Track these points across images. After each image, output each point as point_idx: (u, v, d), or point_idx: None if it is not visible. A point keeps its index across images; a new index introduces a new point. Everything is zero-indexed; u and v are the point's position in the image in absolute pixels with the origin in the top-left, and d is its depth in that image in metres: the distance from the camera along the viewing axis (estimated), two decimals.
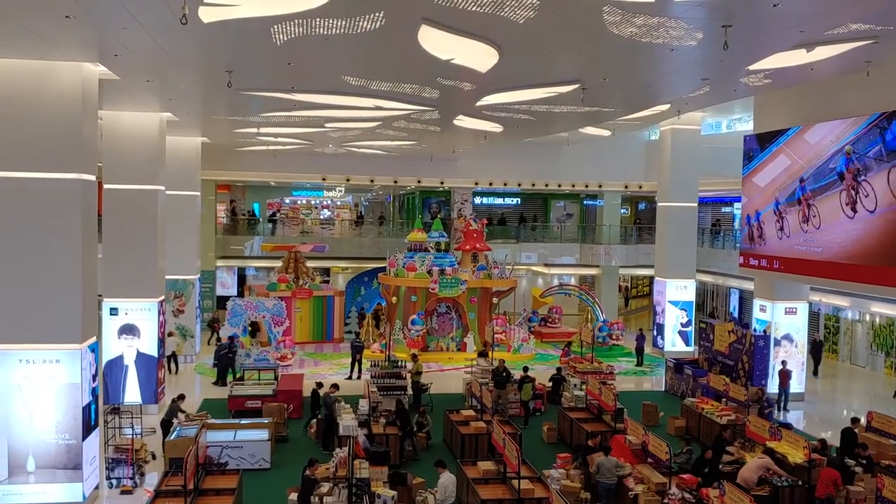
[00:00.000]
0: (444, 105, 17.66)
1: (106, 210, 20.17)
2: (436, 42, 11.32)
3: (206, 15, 9.88)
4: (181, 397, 17.83)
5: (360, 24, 10.33)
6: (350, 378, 23.87)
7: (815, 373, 26.07)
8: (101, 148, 20.29)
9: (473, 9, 9.49)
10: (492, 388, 19.29)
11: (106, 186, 20.11)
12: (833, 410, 22.43)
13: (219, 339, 27.05)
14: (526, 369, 21.90)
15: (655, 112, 22.58)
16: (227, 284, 38.31)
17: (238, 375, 22.67)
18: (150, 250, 20.36)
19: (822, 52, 14.66)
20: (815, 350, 26.51)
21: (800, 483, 14.08)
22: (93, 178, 14.36)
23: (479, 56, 12.24)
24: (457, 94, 16.04)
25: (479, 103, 17.18)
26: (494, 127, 21.94)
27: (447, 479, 12.99)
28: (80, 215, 13.77)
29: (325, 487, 13.21)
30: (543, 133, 25.61)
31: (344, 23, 10.33)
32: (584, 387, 19.93)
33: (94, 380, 14.58)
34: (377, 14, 9.88)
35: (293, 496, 13.43)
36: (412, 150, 30.87)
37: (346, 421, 17.04)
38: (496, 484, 14.05)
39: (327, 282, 33.69)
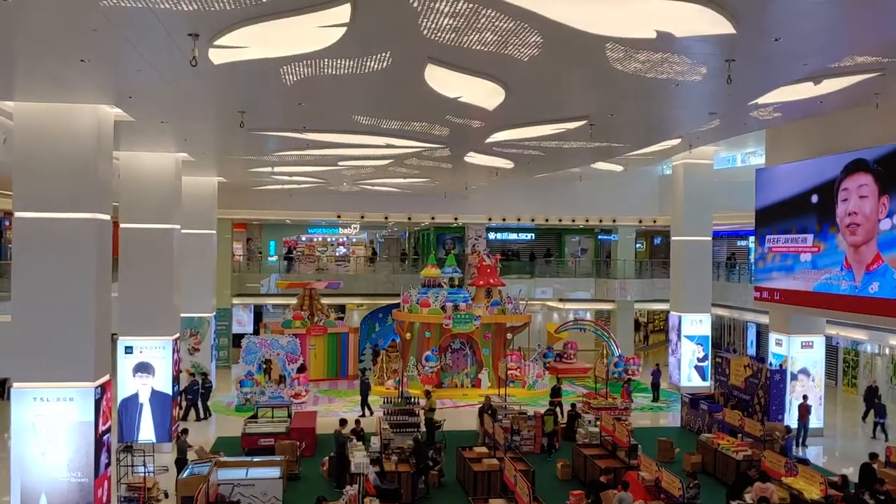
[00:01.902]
0: (454, 142, 17.83)
1: (122, 249, 20.43)
2: (443, 80, 11.49)
3: (217, 57, 10.09)
4: (185, 432, 17.93)
5: (368, 64, 10.52)
6: (364, 416, 23.76)
7: (865, 418, 24.03)
8: (118, 188, 20.65)
9: (478, 48, 9.64)
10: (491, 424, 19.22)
11: (122, 226, 20.40)
12: (853, 446, 22.05)
13: None
14: (552, 403, 21.80)
15: (667, 147, 22.68)
16: (243, 322, 38.48)
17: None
18: (165, 289, 20.54)
19: (830, 85, 14.74)
20: (869, 396, 24.11)
21: None
22: (107, 217, 14.58)
23: (485, 94, 12.40)
24: (466, 132, 16.20)
25: (488, 140, 17.34)
26: (506, 163, 22.08)
27: None
28: (94, 254, 13.94)
29: None
30: (555, 169, 25.73)
31: (351, 63, 10.52)
32: (598, 423, 19.77)
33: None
34: (384, 54, 10.07)
35: None
36: (425, 187, 31.09)
37: (358, 458, 17.09)
38: None
39: (342, 318, 33.74)
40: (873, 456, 16.07)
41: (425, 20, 8.63)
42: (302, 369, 28.69)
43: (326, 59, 10.37)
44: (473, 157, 20.59)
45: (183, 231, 26.29)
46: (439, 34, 9.09)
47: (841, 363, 29.79)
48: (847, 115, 18.64)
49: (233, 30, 9.00)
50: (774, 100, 15.63)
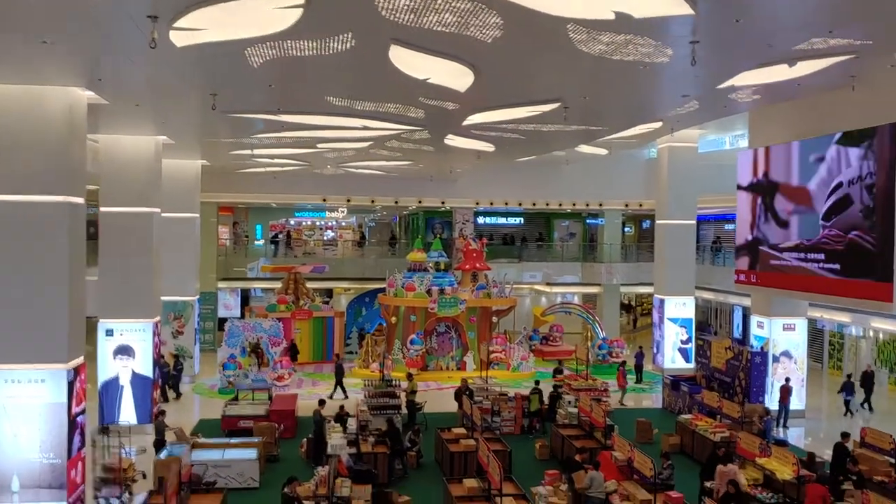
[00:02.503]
0: (431, 124, 17.81)
1: (102, 232, 20.44)
2: (410, 62, 11.46)
3: (179, 39, 10.05)
4: (162, 413, 18.00)
5: (331, 45, 10.48)
6: (332, 398, 23.67)
7: (870, 406, 23.74)
8: (98, 171, 20.62)
9: (439, 29, 9.62)
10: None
11: (102, 209, 20.39)
12: (835, 427, 22.09)
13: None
14: (537, 382, 22.23)
15: (649, 130, 22.65)
16: (230, 306, 38.44)
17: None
18: (145, 272, 20.55)
19: (806, 68, 14.73)
20: (867, 381, 23.86)
21: (788, 500, 13.98)
22: (81, 200, 14.53)
23: (455, 75, 12.38)
24: (442, 114, 16.18)
25: (465, 122, 17.31)
26: (486, 146, 22.06)
27: None
28: (67, 237, 13.92)
29: None
30: (537, 152, 25.72)
31: (315, 44, 10.49)
32: (577, 404, 19.88)
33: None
34: (346, 35, 10.04)
35: None
36: (412, 171, 31.04)
37: (335, 440, 17.18)
38: (480, 502, 13.99)
39: (327, 303, 33.77)
40: (845, 435, 16.16)
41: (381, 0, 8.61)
42: (295, 352, 28.87)
43: (290, 41, 10.34)
44: (453, 140, 20.56)
45: (165, 215, 26.28)
46: (398, 15, 9.07)
47: (827, 346, 29.92)
48: (831, 96, 18.56)
49: (192, 11, 8.97)
50: (752, 82, 15.65)
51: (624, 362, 26.75)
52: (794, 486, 13.95)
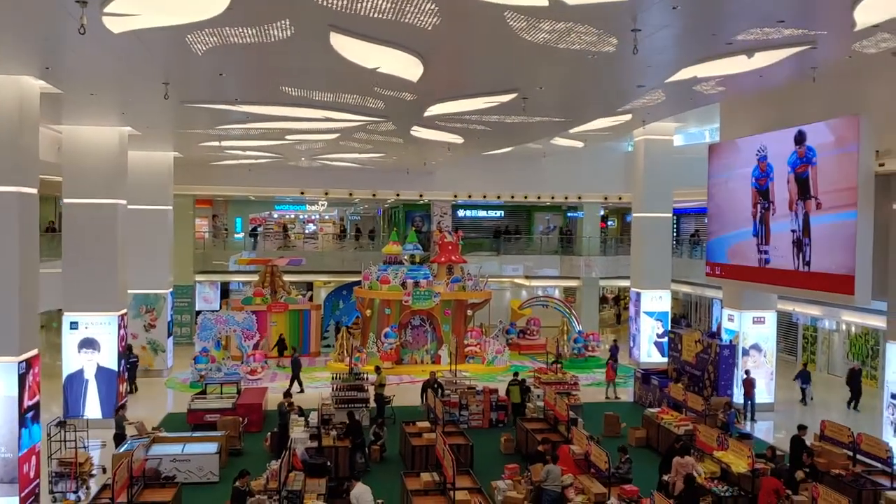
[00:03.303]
0: (394, 115, 17.67)
1: (65, 224, 20.29)
2: (355, 50, 11.32)
3: (113, 25, 9.89)
4: (122, 407, 17.88)
5: (271, 32, 10.34)
6: (289, 393, 23.47)
7: (856, 406, 23.09)
8: (60, 162, 20.44)
9: (375, 15, 9.48)
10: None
11: (66, 200, 20.22)
12: (803, 420, 22.11)
13: None
14: (516, 374, 22.33)
15: (620, 122, 22.53)
16: (210, 299, 38.27)
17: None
18: (110, 264, 20.39)
19: (766, 59, 14.63)
20: (853, 380, 23.25)
21: (742, 493, 13.93)
22: (33, 191, 14.40)
23: (405, 65, 12.24)
24: (402, 105, 16.04)
25: (427, 114, 17.17)
26: (455, 138, 21.92)
27: (358, 490, 12.88)
28: (17, 228, 13.79)
29: (257, 499, 13.09)
30: (507, 144, 25.59)
31: (254, 31, 10.34)
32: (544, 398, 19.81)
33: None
34: (283, 22, 9.89)
35: None
36: (387, 164, 30.90)
37: (297, 433, 17.08)
38: (436, 495, 13.90)
39: (303, 295, 33.58)
40: (802, 428, 16.14)
41: None
42: (283, 347, 28.75)
43: (228, 28, 10.18)
44: (420, 132, 20.42)
45: (137, 207, 26.20)
46: (331, 0, 8.92)
47: (801, 340, 29.90)
48: (800, 88, 18.44)
49: None
50: (715, 73, 15.54)
51: (613, 356, 26.71)
52: (749, 479, 13.90)
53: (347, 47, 11.09)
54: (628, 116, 21.37)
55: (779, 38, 12.70)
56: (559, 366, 24.45)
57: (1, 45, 11.51)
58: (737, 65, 14.92)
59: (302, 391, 23.66)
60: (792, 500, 13.67)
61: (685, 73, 14.89)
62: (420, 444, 17.14)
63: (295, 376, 24.26)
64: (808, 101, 18.66)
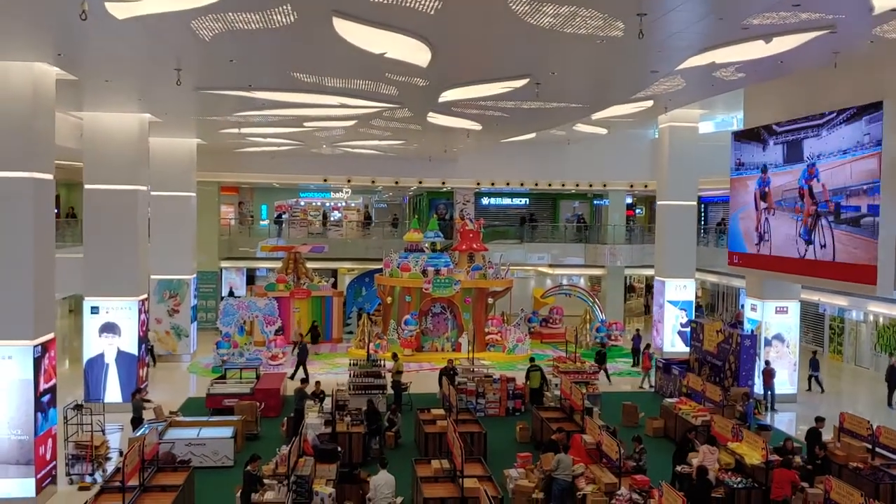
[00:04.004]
0: (408, 102, 17.58)
1: (86, 209, 20.52)
2: (361, 36, 11.24)
3: (117, 11, 9.91)
4: (138, 391, 18.11)
5: (274, 17, 10.30)
6: (293, 378, 23.56)
7: (890, 402, 22.40)
8: (82, 149, 20.66)
9: (377, 0, 9.39)
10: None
11: (87, 186, 20.43)
12: (826, 413, 21.74)
13: None
14: (532, 360, 22.22)
15: (642, 109, 22.21)
16: (236, 285, 38.66)
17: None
18: (130, 250, 20.59)
19: (785, 44, 14.30)
20: (893, 376, 22.40)
21: (756, 485, 13.73)
22: (48, 176, 14.55)
23: (412, 50, 12.13)
24: (414, 91, 15.94)
25: (442, 100, 17.05)
26: (472, 125, 21.78)
27: (381, 478, 12.86)
28: (32, 213, 13.94)
29: (267, 484, 13.18)
30: (526, 131, 25.36)
31: (258, 17, 10.31)
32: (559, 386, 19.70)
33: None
34: (285, 7, 9.84)
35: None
36: (411, 151, 30.82)
37: (311, 419, 17.16)
38: (445, 482, 13.89)
39: (327, 282, 33.71)
40: (819, 420, 15.86)
41: None
42: (316, 335, 28.98)
43: (231, 13, 10.16)
44: (437, 118, 20.30)
45: (160, 193, 26.47)
46: None
47: (827, 330, 29.40)
48: (825, 73, 17.99)
49: None
50: (734, 59, 15.24)
51: (649, 345, 26.44)
52: (763, 471, 13.68)
53: (352, 33, 11.02)
54: (650, 103, 21.05)
55: (796, 22, 12.38)
56: (576, 354, 24.22)
57: (12, 31, 11.63)
58: (756, 50, 14.60)
59: (306, 380, 23.68)
60: (807, 492, 13.48)
61: (702, 59, 14.63)
62: (433, 431, 17.13)
63: (300, 363, 24.42)
64: (834, 86, 18.21)
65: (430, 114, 19.50)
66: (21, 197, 13.85)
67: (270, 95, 16.59)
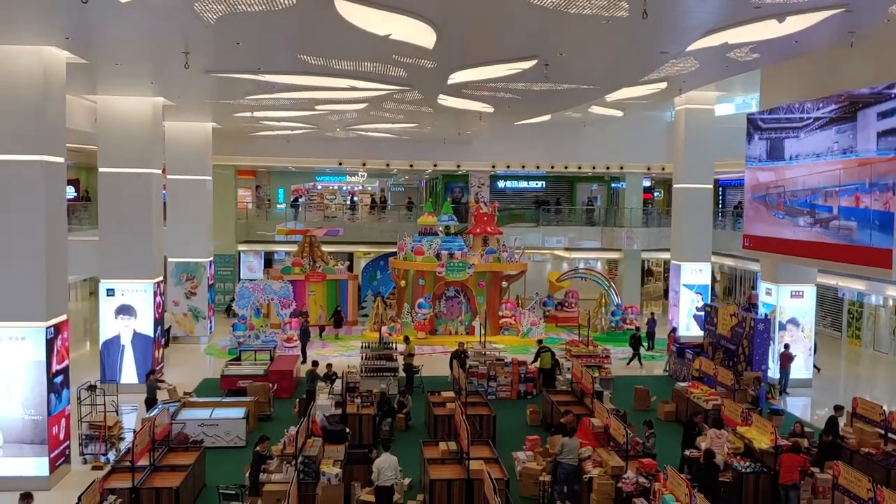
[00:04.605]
0: (417, 84, 17.51)
1: (101, 192, 20.69)
2: (364, 17, 11.20)
3: None
4: (152, 372, 18.32)
5: None
6: (304, 363, 23.66)
7: None
8: (96, 132, 20.81)
9: None
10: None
11: (101, 170, 20.59)
12: (840, 398, 21.57)
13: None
14: (540, 342, 22.19)
15: (656, 91, 22.01)
16: (253, 268, 38.88)
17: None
18: (145, 233, 20.76)
19: (798, 23, 14.08)
20: None
21: (765, 469, 13.65)
22: (59, 160, 14.66)
23: (417, 31, 12.07)
24: (423, 73, 15.87)
25: (451, 82, 16.97)
26: (484, 107, 21.66)
27: (383, 460, 12.92)
28: (43, 195, 14.07)
29: (274, 464, 13.32)
30: (539, 113, 25.17)
31: None
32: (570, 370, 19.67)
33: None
34: None
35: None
36: (425, 134, 30.73)
37: (321, 400, 17.27)
38: (452, 464, 13.94)
39: (343, 265, 33.83)
40: (838, 408, 15.70)
41: None
42: (340, 320, 29.17)
43: None
44: (447, 101, 20.22)
45: (176, 177, 26.62)
46: None
47: (846, 315, 29.09)
48: (842, 52, 17.66)
49: None
50: (747, 39, 15.05)
51: (675, 328, 26.26)
52: (772, 456, 13.60)
53: (355, 14, 10.97)
54: (663, 84, 20.86)
55: (810, 0, 12.21)
56: (589, 338, 24.13)
57: (20, 15, 11.69)
58: (769, 30, 14.41)
59: (304, 362, 23.75)
60: (816, 477, 13.39)
61: (715, 40, 14.46)
62: (443, 413, 17.18)
63: (303, 346, 24.51)
64: (852, 65, 17.89)
65: (441, 96, 19.43)
66: (32, 179, 13.97)
67: (280, 78, 16.60)
